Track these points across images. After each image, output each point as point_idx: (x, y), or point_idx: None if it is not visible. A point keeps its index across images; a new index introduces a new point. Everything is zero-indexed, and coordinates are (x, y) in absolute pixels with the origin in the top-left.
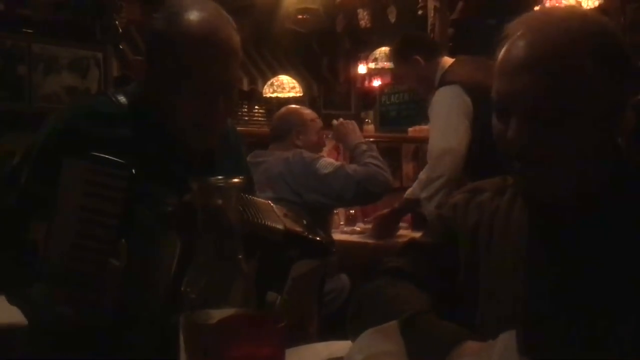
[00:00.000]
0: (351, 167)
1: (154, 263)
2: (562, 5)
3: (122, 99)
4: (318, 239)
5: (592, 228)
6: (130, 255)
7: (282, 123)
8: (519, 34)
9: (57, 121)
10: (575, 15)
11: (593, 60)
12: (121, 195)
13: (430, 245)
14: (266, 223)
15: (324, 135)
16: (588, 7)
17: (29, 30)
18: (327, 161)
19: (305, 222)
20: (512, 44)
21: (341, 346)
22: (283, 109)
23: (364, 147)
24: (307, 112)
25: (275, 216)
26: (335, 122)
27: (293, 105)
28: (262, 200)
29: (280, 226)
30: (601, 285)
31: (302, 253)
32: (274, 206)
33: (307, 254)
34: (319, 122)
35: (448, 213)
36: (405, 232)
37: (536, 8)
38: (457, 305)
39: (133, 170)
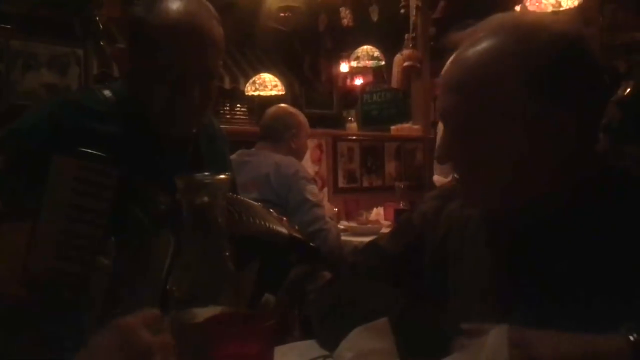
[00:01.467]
0: (326, 218)
1: (145, 262)
2: (529, 10)
3: (108, 94)
4: (313, 245)
5: (562, 242)
6: (119, 254)
7: (275, 123)
8: (454, 54)
9: (40, 114)
10: (511, 33)
11: (520, 82)
12: (110, 193)
13: (391, 254)
14: (271, 226)
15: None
16: (567, 7)
17: (7, 26)
18: (315, 190)
19: (296, 227)
20: (448, 62)
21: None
22: (276, 108)
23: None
24: (301, 114)
25: (274, 219)
26: None
27: (285, 105)
28: (255, 203)
29: (285, 231)
30: (575, 303)
31: (302, 258)
32: (267, 209)
33: (305, 259)
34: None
35: (417, 221)
36: None
37: (517, 8)
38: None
39: (123, 168)
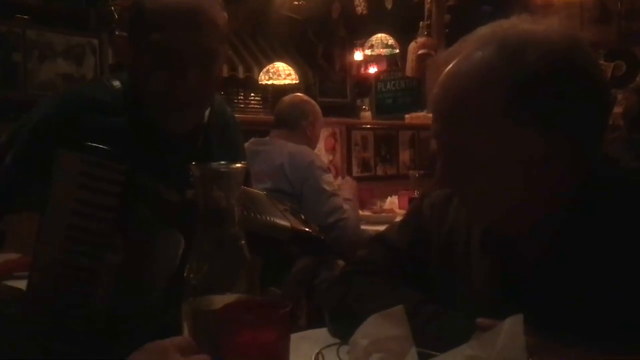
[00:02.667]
0: (343, 208)
1: (153, 257)
2: (523, 18)
3: (117, 84)
4: (319, 236)
5: (556, 260)
6: (127, 249)
7: (293, 111)
8: (440, 77)
9: (50, 107)
10: (496, 51)
11: (502, 106)
12: (118, 188)
13: (400, 247)
14: (274, 221)
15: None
16: None
17: (24, 17)
18: (331, 179)
19: (302, 216)
20: (435, 88)
21: None
22: (292, 97)
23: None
24: (316, 104)
25: (278, 212)
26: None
27: (301, 94)
28: (259, 193)
29: (287, 224)
30: (568, 310)
31: (305, 250)
32: (272, 200)
33: (310, 251)
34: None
35: (426, 211)
36: None
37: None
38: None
39: (130, 163)
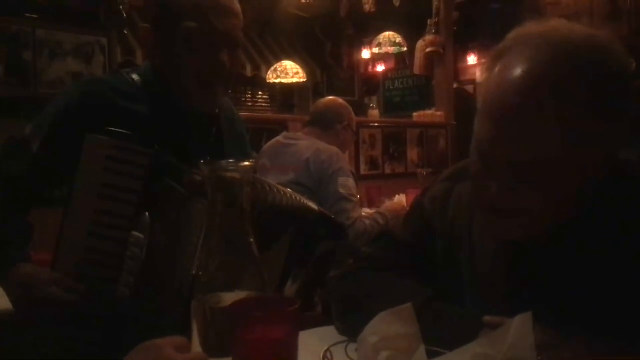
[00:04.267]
0: (350, 214)
1: (180, 232)
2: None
3: (135, 77)
4: (339, 222)
5: (567, 239)
6: (154, 228)
7: (329, 112)
8: (501, 70)
9: (73, 93)
10: (541, 45)
11: (585, 100)
12: (142, 171)
13: (405, 242)
14: (303, 201)
15: None
16: None
17: (33, 15)
18: (349, 183)
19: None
20: (500, 81)
21: None
22: (331, 99)
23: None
24: (351, 110)
25: (302, 197)
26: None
27: (338, 98)
28: (276, 185)
29: (314, 206)
30: (578, 293)
31: (329, 233)
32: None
33: (332, 234)
34: None
35: (428, 205)
36: None
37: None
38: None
39: (155, 147)
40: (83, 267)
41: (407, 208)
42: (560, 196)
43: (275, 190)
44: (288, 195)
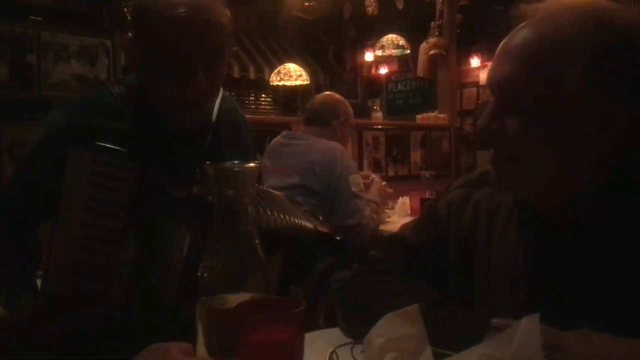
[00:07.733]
0: (364, 212)
1: (164, 254)
2: None
3: (122, 89)
4: (338, 238)
5: (588, 238)
6: (139, 247)
7: (325, 109)
8: (520, 25)
9: (60, 116)
10: (582, 16)
11: (583, 67)
12: (127, 185)
13: (416, 246)
14: (299, 222)
15: None
16: None
17: (38, 18)
18: (358, 180)
19: (320, 217)
20: (512, 33)
21: None
22: (325, 95)
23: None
24: (348, 104)
25: (299, 213)
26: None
27: (333, 93)
28: (278, 193)
29: (311, 226)
30: (599, 293)
31: (327, 251)
32: (292, 200)
33: (331, 252)
34: None
35: (442, 211)
36: None
37: None
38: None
39: (139, 161)
40: (73, 281)
41: (394, 195)
42: (572, 160)
43: (269, 212)
44: (282, 216)
